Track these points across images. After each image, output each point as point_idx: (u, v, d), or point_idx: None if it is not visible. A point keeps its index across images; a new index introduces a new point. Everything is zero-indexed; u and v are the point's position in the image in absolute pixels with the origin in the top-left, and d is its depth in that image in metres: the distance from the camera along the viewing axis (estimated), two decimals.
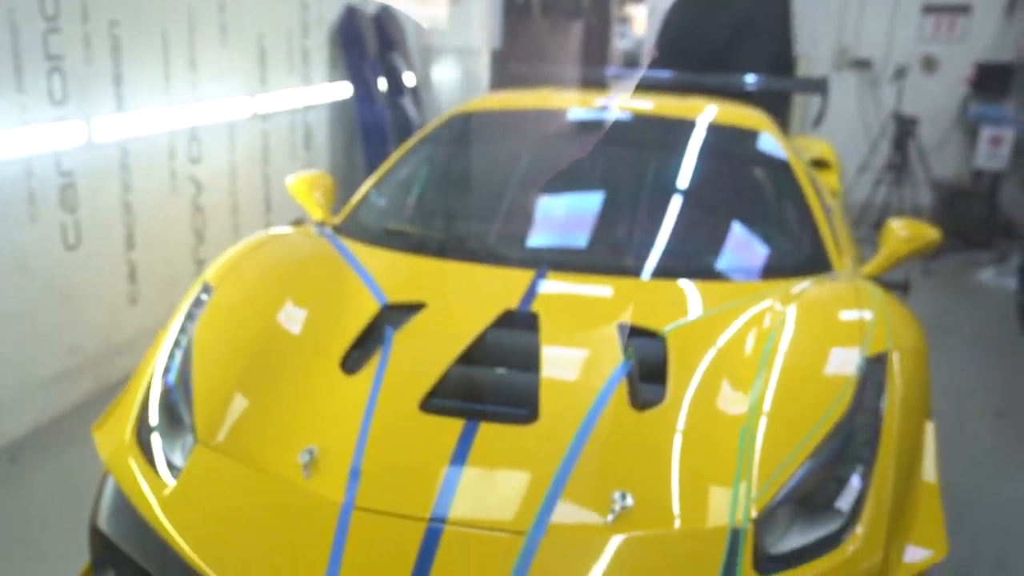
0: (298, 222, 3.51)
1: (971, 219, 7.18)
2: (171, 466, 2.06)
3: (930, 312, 5.55)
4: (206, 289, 2.53)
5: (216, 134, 4.82)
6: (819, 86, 5.31)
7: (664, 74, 5.39)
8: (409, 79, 7.13)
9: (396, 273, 2.77)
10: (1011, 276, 6.32)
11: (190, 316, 2.45)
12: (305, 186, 3.39)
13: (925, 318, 4.77)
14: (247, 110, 5.12)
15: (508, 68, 7.49)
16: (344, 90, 6.50)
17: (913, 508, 1.96)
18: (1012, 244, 7.16)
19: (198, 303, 2.48)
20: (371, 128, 6.57)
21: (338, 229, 3.13)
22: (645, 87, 5.25)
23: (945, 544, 1.92)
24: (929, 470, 2.08)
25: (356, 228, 3.10)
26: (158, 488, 2.00)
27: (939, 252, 6.96)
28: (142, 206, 4.24)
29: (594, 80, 5.58)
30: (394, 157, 3.54)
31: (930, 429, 2.19)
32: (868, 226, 7.30)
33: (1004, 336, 5.23)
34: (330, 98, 6.31)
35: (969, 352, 4.92)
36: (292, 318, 2.43)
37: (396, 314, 2.49)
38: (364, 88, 6.53)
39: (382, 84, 6.72)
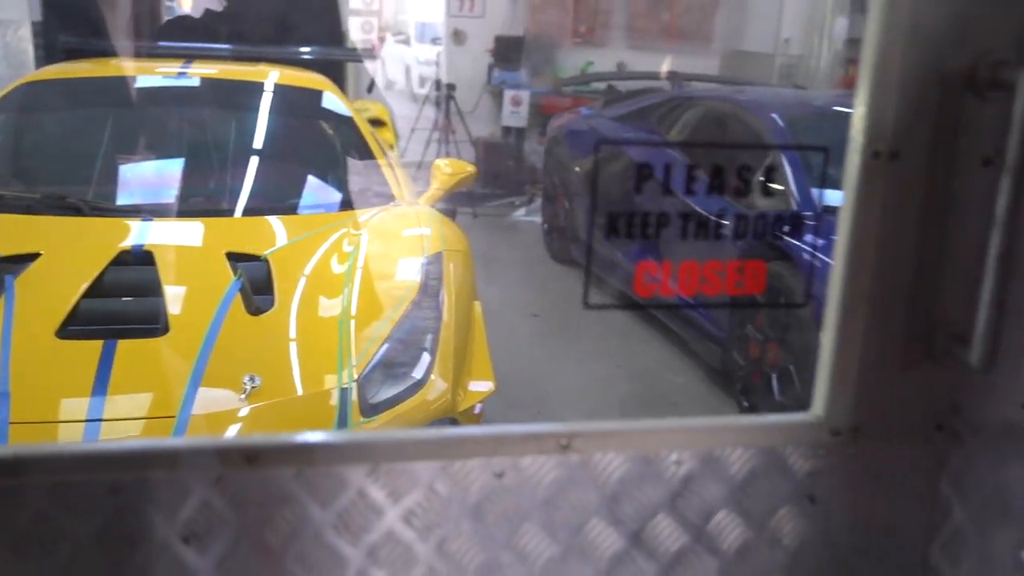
0: None
1: (505, 170, 8.44)
2: None
3: (481, 245, 6.57)
4: None
5: None
6: (369, 55, 5.99)
7: (221, 46, 5.68)
8: None
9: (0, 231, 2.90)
10: (538, 214, 7.63)
11: None
12: None
13: (478, 250, 5.70)
14: None
15: (54, 40, 7.19)
16: None
17: (471, 359, 2.67)
18: (536, 188, 8.56)
19: None
20: None
21: None
22: (205, 56, 5.51)
23: (494, 381, 2.65)
24: (479, 333, 2.81)
25: None
26: None
27: (482, 199, 8.12)
28: None
29: (150, 52, 5.68)
30: None
31: (477, 306, 2.93)
32: (425, 183, 8.24)
33: (536, 260, 6.43)
34: None
35: (512, 272, 6.00)
36: None
37: (11, 264, 2.65)
38: None
39: None
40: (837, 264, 1.00)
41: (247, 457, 0.89)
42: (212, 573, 0.90)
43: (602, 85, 8.09)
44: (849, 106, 1.00)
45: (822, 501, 1.04)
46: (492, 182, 8.29)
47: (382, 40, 11.06)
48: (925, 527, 1.09)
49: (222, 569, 0.91)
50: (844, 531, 1.06)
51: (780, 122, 4.33)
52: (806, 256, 3.07)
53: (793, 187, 3.64)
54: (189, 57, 4.11)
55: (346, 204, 3.40)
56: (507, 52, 8.82)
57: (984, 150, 0.96)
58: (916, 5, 0.93)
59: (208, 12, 6.14)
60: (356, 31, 9.31)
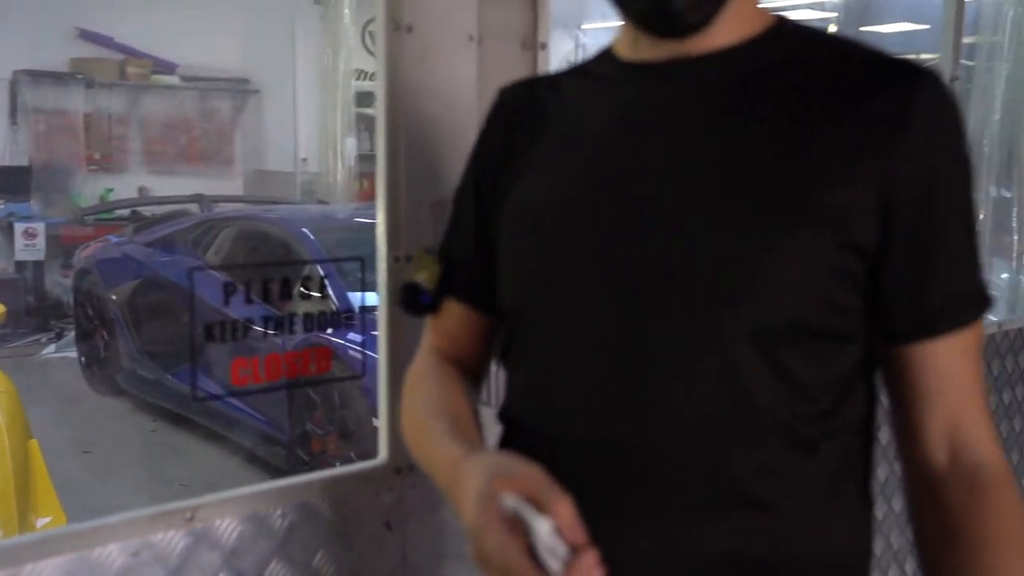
0: None
1: (26, 306, 7.85)
2: None
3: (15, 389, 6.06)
4: None
5: None
6: None
7: None
8: None
9: None
10: (72, 348, 7.20)
11: None
12: None
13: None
14: None
15: None
16: None
17: (35, 498, 2.61)
18: (65, 322, 8.07)
19: None
20: None
21: None
22: None
23: (63, 515, 2.62)
24: (40, 471, 2.75)
25: None
26: None
27: (2, 340, 7.46)
28: None
29: None
30: None
31: (34, 444, 2.86)
32: None
33: (79, 395, 6.08)
34: None
35: (55, 410, 5.62)
36: None
37: None
38: None
39: None
40: (381, 344, 1.33)
41: None
42: None
43: (127, 211, 7.97)
44: (368, 216, 1.35)
45: (397, 526, 1.35)
46: (12, 321, 7.66)
47: None
48: None
49: None
50: (417, 546, 1.38)
51: (311, 236, 4.74)
52: (349, 350, 3.49)
53: (331, 292, 4.04)
54: None
55: None
56: (13, 183, 8.30)
57: None
58: (410, 152, 1.31)
59: None
60: None
